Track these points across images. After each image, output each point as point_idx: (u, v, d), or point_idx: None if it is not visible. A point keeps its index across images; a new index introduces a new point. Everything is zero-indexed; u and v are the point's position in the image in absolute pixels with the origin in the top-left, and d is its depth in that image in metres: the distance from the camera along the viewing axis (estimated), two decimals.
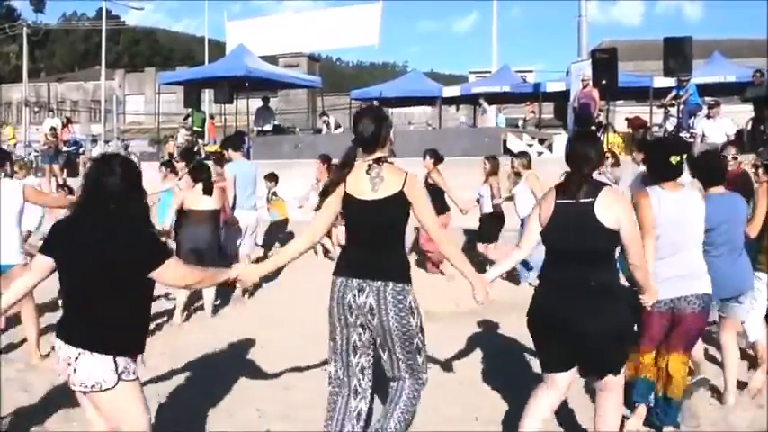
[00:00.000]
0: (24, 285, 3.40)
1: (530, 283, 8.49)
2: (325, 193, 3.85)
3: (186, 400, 5.11)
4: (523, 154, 9.65)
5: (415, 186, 3.76)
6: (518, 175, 9.20)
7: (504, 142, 17.02)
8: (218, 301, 8.12)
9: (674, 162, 4.25)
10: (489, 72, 26.60)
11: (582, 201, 3.65)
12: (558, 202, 3.73)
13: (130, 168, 3.34)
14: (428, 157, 9.60)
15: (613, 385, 3.82)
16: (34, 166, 19.27)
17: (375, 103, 20.76)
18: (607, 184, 3.94)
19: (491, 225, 9.57)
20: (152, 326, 7.22)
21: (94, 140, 25.48)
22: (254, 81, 20.16)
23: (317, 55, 38.93)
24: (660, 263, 4.20)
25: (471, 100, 23.29)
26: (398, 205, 3.66)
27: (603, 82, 15.46)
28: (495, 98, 23.53)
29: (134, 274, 3.19)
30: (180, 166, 9.62)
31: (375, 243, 3.70)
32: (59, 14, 77.34)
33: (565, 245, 3.71)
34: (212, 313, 7.78)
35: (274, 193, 11.76)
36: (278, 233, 11.61)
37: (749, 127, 15.35)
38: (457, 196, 9.66)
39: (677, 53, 15.18)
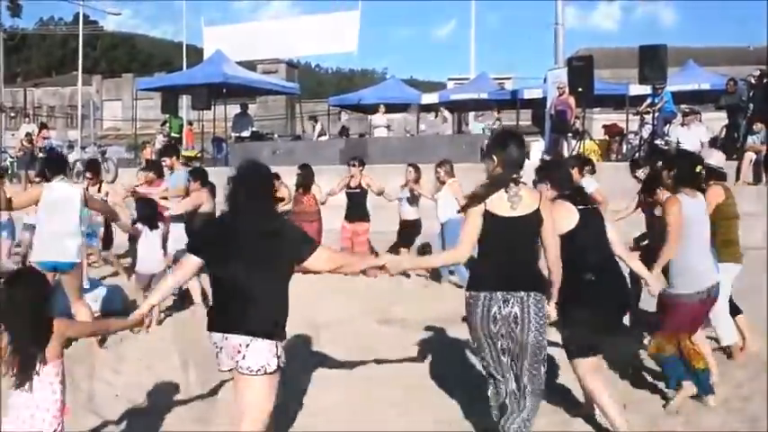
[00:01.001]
0: (174, 282, 3.88)
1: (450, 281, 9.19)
2: (464, 208, 4.01)
3: (161, 407, 5.09)
4: (446, 162, 9.63)
5: (549, 207, 4.07)
6: (443, 183, 9.38)
7: (482, 149, 17.08)
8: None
9: (698, 171, 5.04)
10: (468, 79, 26.67)
11: (592, 207, 4.44)
12: (581, 208, 4.35)
13: (271, 174, 3.80)
14: (357, 164, 10.37)
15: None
16: (9, 171, 19.05)
17: (382, 108, 20.81)
18: None
19: (408, 231, 10.11)
20: (130, 332, 7.17)
21: (71, 146, 25.07)
22: (232, 87, 20.10)
23: (295, 61, 38.76)
24: (696, 258, 4.86)
25: (449, 107, 23.34)
26: (535, 222, 3.93)
27: (580, 89, 15.57)
28: (474, 105, 23.63)
29: (291, 264, 3.61)
30: (168, 162, 9.60)
31: (515, 257, 3.95)
32: (36, 19, 76.35)
33: (597, 243, 4.40)
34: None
35: None
36: None
37: (723, 134, 15.60)
38: (392, 198, 10.26)
39: (652, 61, 15.32)
